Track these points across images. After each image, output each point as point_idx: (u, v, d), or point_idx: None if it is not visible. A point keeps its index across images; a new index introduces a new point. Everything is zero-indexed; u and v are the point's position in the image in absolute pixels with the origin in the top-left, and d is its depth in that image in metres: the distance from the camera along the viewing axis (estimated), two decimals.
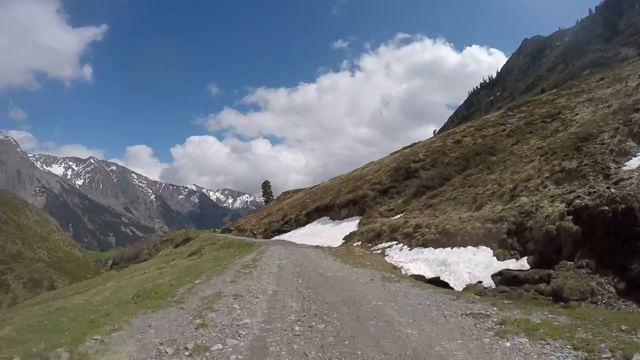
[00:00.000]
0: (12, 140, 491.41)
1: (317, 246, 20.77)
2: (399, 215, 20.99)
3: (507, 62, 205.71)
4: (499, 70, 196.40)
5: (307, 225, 36.96)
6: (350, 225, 26.18)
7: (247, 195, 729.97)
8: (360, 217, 26.93)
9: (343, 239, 22.86)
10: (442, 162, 24.44)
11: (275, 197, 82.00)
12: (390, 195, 26.41)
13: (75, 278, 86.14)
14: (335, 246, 20.85)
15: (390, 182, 28.27)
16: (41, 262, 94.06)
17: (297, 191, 71.91)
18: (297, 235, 32.87)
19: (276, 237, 38.03)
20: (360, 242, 20.12)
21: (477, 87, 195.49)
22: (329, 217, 34.21)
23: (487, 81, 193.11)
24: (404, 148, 49.44)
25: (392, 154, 49.89)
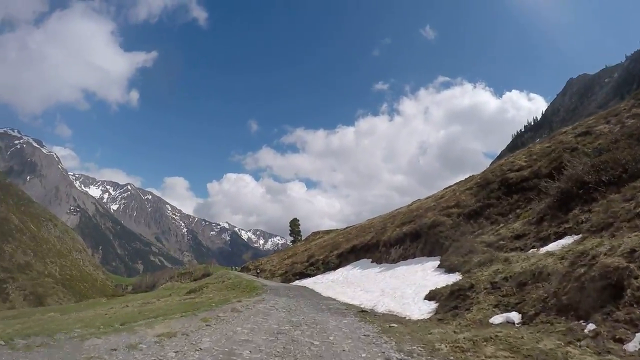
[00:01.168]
0: (54, 155, 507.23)
1: (362, 310, 11.62)
2: (544, 248, 10.42)
3: (551, 103, 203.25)
4: (543, 112, 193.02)
5: (339, 269, 28.86)
6: (418, 272, 16.77)
7: (278, 238, 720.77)
8: (433, 258, 17.62)
9: (430, 299, 10.96)
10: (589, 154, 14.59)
11: (304, 238, 74.57)
12: (488, 217, 17.34)
13: (83, 298, 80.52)
14: (414, 316, 10.09)
15: (478, 202, 19.15)
16: (50, 277, 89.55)
17: (328, 232, 64.27)
18: (324, 283, 25.15)
19: (297, 282, 30.81)
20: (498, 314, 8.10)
21: (520, 130, 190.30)
22: (370, 260, 25.93)
23: (532, 123, 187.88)
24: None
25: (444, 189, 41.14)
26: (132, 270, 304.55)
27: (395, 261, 22.06)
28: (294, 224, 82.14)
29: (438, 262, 16.35)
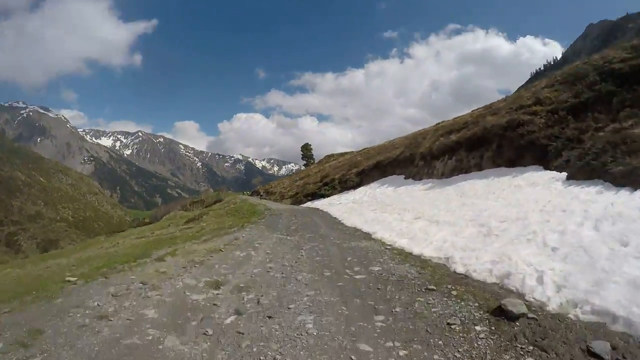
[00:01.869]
0: (62, 117, 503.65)
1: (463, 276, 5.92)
2: None
3: (571, 46, 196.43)
4: (563, 53, 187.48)
5: (361, 187, 23.91)
6: (523, 187, 10.74)
7: (292, 164, 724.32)
8: (528, 167, 12.29)
9: None
10: None
11: (317, 162, 69.98)
12: (603, 111, 11.38)
13: (97, 236, 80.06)
14: None
15: (575, 97, 12.74)
16: (63, 222, 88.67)
17: (343, 154, 59.31)
18: (342, 204, 20.08)
19: (308, 204, 26.82)
20: None
21: (540, 69, 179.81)
22: (403, 176, 20.84)
23: (551, 63, 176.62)
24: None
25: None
26: (151, 204, 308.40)
27: (446, 175, 16.39)
28: (306, 148, 77.26)
29: (550, 173, 10.94)
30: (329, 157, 63.18)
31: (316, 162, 72.69)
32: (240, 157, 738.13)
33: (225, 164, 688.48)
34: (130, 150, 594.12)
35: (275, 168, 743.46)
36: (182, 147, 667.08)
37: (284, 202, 33.15)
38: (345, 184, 26.87)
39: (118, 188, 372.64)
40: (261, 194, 54.43)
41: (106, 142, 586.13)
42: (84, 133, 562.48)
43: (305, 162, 75.56)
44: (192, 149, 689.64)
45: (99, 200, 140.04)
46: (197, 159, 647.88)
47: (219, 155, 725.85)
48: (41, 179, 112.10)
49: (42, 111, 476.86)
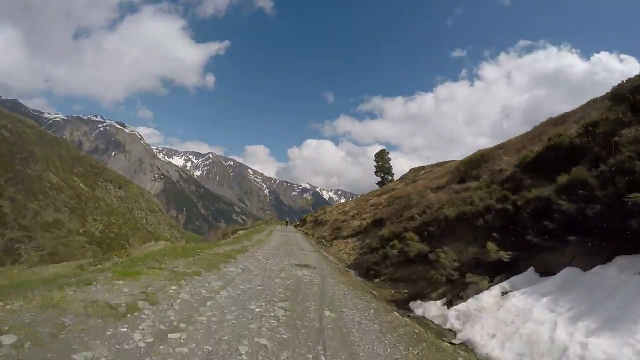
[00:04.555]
0: (137, 133, 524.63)
1: None
2: None
3: None
4: None
5: None
6: None
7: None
8: None
9: None
10: None
11: (395, 179, 52.17)
12: None
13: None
14: None
15: None
16: (85, 235, 76.93)
17: (443, 164, 41.82)
18: None
19: None
20: None
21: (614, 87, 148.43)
22: None
23: (624, 81, 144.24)
24: None
25: None
26: (216, 228, 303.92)
27: None
28: (381, 156, 59.23)
29: None
30: (417, 171, 45.55)
31: (390, 179, 55.17)
32: (308, 186, 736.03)
33: (293, 193, 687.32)
34: (200, 172, 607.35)
35: (343, 200, 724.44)
36: (251, 172, 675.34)
37: (336, 246, 24.97)
38: None
39: (185, 209, 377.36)
40: (309, 222, 47.31)
41: (178, 161, 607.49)
42: (157, 151, 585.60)
43: (380, 177, 57.75)
44: (261, 174, 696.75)
45: (155, 219, 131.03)
46: (264, 185, 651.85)
47: (287, 183, 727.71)
48: (82, 185, 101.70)
49: (118, 126, 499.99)
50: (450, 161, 38.80)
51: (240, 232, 38.79)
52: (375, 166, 58.04)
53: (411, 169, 49.73)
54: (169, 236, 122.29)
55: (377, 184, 57.03)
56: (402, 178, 46.19)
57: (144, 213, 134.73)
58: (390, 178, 55.88)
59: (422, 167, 46.66)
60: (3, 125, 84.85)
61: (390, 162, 57.78)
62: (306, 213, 60.59)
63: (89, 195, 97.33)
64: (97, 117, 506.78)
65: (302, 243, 25.84)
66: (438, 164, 42.41)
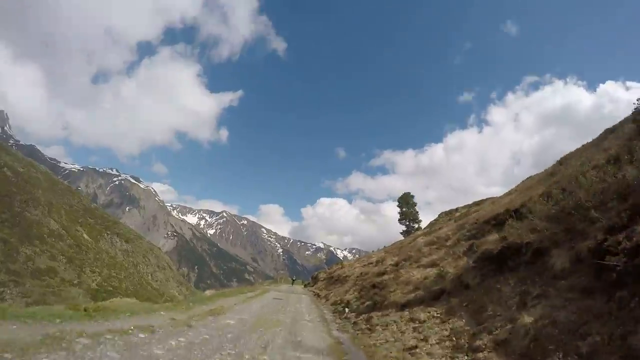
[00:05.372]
0: (152, 189, 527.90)
1: None
2: None
3: None
4: None
5: None
6: None
7: None
8: None
9: None
10: None
11: (420, 227, 46.22)
12: None
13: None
14: None
15: None
16: (80, 287, 70.87)
17: (481, 203, 36.39)
18: None
19: None
20: None
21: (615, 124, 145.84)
22: None
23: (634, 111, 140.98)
24: None
25: None
26: (227, 287, 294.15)
27: None
28: (406, 201, 53.66)
29: None
30: (449, 214, 40.00)
31: (414, 228, 49.23)
32: (322, 245, 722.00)
33: (307, 252, 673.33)
34: (214, 230, 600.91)
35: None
36: (265, 232, 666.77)
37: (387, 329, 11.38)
38: None
39: (196, 267, 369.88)
40: (321, 279, 41.80)
41: (191, 219, 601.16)
42: (171, 208, 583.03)
43: (405, 226, 51.82)
44: (275, 234, 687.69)
45: (164, 276, 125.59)
46: (278, 245, 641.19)
47: (300, 242, 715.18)
48: (85, 235, 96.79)
49: (133, 181, 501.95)
50: (486, 199, 32.70)
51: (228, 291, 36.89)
52: (399, 213, 52.25)
53: (442, 213, 43.84)
54: (176, 293, 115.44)
55: (401, 233, 50.73)
56: (432, 225, 40.21)
57: (151, 269, 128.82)
58: (416, 226, 49.69)
59: (455, 210, 40.73)
60: (8, 164, 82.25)
61: (415, 207, 51.74)
62: (319, 270, 53.83)
63: (91, 246, 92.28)
64: (112, 170, 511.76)
65: (306, 316, 15.55)
66: (476, 203, 36.36)
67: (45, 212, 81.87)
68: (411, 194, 52.80)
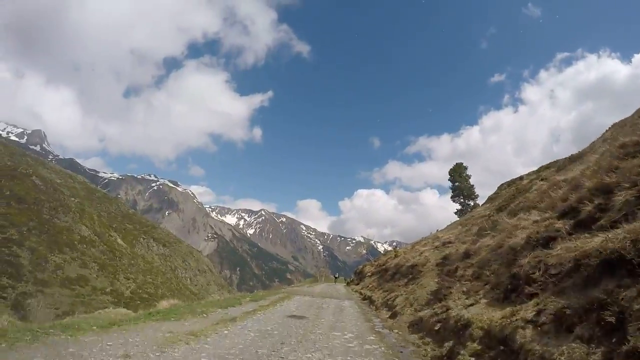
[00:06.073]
0: (190, 192, 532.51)
1: None
2: None
3: None
4: None
5: None
6: None
7: None
8: None
9: None
10: None
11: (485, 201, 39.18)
12: None
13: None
14: None
15: None
16: (112, 295, 67.46)
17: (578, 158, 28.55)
18: None
19: None
20: None
21: None
22: None
23: None
24: None
25: None
26: (269, 288, 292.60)
27: None
28: (458, 173, 46.74)
29: None
30: (514, 184, 32.41)
31: (471, 202, 42.32)
32: (362, 239, 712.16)
33: (347, 247, 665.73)
34: (253, 230, 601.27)
35: None
36: (304, 228, 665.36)
37: None
38: None
39: (238, 269, 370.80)
40: (368, 273, 34.69)
41: (230, 219, 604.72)
42: (210, 209, 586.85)
43: (460, 203, 44.84)
44: (314, 230, 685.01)
45: (205, 279, 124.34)
46: (318, 241, 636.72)
47: (340, 237, 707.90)
48: (119, 241, 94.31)
49: (171, 185, 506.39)
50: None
51: (261, 293, 26.41)
52: (451, 188, 45.31)
53: (504, 184, 36.38)
54: (217, 297, 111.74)
55: (456, 213, 43.55)
56: (493, 200, 32.86)
57: (191, 272, 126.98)
58: (472, 204, 42.49)
59: (520, 178, 32.82)
60: (37, 172, 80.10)
61: (470, 180, 44.48)
62: (364, 263, 47.24)
63: (126, 251, 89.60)
64: (150, 176, 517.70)
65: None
66: (546, 167, 28.20)
67: (77, 219, 79.32)
68: (464, 164, 45.69)
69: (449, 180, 44.78)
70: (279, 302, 17.46)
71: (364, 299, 23.13)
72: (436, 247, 21.31)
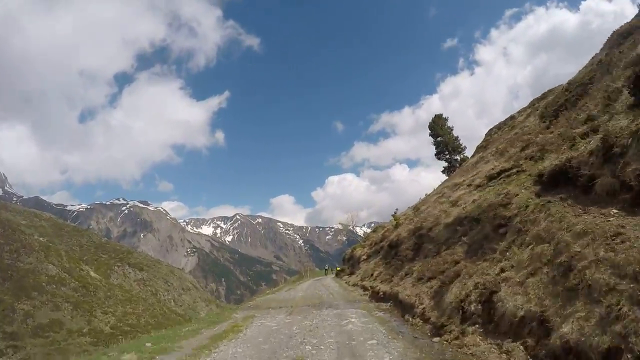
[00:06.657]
0: (162, 209, 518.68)
1: None
2: None
3: None
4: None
5: None
6: None
7: None
8: None
9: None
10: None
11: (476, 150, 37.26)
12: None
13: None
14: None
15: None
16: (91, 335, 63.93)
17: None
18: None
19: None
20: None
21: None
22: None
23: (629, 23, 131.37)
24: None
25: None
26: (257, 293, 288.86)
27: None
28: (439, 125, 44.81)
29: None
30: (506, 125, 30.34)
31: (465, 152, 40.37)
32: (340, 226, 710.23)
33: (327, 237, 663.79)
34: (231, 236, 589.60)
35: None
36: (281, 225, 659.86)
37: None
38: None
39: (223, 280, 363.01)
40: (362, 260, 28.94)
41: (207, 230, 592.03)
42: (184, 223, 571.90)
43: (445, 160, 42.74)
44: (292, 225, 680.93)
45: (190, 298, 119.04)
46: (297, 236, 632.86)
47: (319, 228, 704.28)
48: (92, 274, 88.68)
49: (142, 205, 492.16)
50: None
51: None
52: (433, 143, 42.58)
53: (493, 128, 33.56)
54: (204, 314, 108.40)
55: (443, 171, 41.53)
56: (481, 149, 30.27)
57: (175, 293, 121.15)
58: (459, 158, 40.35)
59: (511, 118, 30.36)
60: (8, 220, 74.37)
61: (453, 131, 42.51)
62: (353, 245, 44.00)
63: (100, 284, 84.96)
64: (119, 200, 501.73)
65: None
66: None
67: (42, 258, 74.14)
68: (443, 115, 43.59)
69: (430, 135, 41.84)
70: (248, 323, 12.99)
71: (378, 299, 16.18)
72: (453, 199, 16.64)
